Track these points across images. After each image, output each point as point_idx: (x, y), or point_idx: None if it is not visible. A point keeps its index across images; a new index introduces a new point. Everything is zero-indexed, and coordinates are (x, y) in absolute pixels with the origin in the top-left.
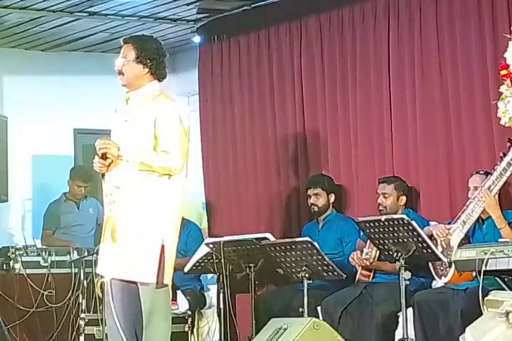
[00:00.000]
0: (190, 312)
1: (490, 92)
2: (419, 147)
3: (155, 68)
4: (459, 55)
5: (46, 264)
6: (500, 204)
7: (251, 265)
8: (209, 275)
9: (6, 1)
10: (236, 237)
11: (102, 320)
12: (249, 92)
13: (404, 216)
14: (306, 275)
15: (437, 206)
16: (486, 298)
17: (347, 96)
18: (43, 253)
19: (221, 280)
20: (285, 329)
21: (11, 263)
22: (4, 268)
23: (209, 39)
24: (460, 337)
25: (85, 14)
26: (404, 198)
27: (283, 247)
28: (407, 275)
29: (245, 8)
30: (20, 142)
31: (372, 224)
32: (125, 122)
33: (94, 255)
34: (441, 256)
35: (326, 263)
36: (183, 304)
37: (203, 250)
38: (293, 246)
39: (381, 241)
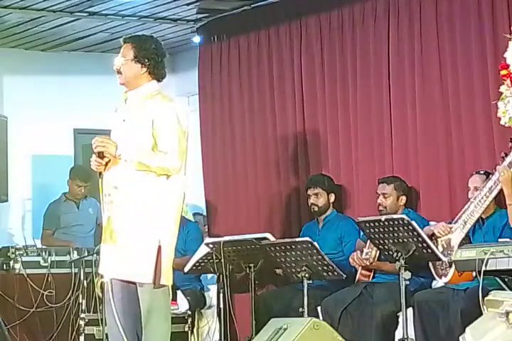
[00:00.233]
0: (190, 312)
1: (490, 92)
2: (419, 147)
3: (153, 68)
4: (459, 55)
5: (46, 264)
6: (500, 203)
7: (251, 265)
8: (209, 275)
9: (6, 1)
10: (236, 237)
11: (102, 320)
12: (249, 92)
13: (404, 216)
14: (306, 275)
15: (437, 206)
16: (486, 298)
17: (347, 96)
18: (43, 253)
19: (221, 280)
20: (285, 329)
21: (11, 263)
22: (4, 268)
23: (209, 39)
24: (460, 337)
25: (85, 14)
26: (404, 198)
27: (283, 247)
28: (407, 275)
29: (245, 8)
30: (20, 142)
31: (372, 224)
32: (123, 122)
33: (94, 255)
34: (441, 256)
35: (326, 263)
36: (183, 304)
37: (202, 250)
38: (293, 246)
39: (381, 241)
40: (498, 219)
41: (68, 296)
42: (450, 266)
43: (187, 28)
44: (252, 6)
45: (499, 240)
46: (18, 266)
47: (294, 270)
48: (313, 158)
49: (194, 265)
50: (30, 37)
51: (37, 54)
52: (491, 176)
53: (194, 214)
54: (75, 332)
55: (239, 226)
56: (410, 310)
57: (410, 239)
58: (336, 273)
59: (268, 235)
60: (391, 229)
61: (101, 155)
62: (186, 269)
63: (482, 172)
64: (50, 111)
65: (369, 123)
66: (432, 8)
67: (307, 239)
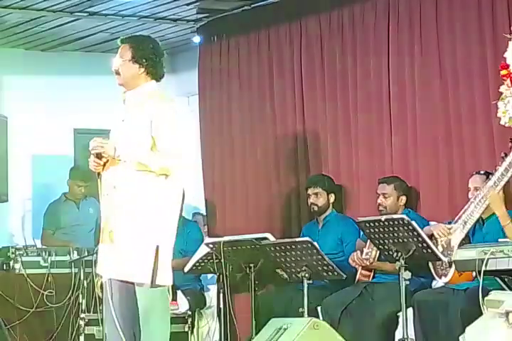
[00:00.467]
0: (190, 312)
1: (490, 92)
2: (419, 147)
3: (151, 68)
4: (459, 55)
5: (46, 264)
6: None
7: (251, 265)
8: (209, 275)
9: (6, 1)
10: (236, 237)
11: (102, 320)
12: (249, 92)
13: (404, 216)
14: (306, 275)
15: (437, 206)
16: (486, 298)
17: (347, 96)
18: (43, 253)
19: (221, 280)
20: (285, 329)
21: (11, 263)
22: (4, 268)
23: (209, 39)
24: (460, 337)
25: (85, 14)
26: (404, 198)
27: (283, 247)
28: (407, 275)
29: (245, 8)
30: (20, 142)
31: (372, 224)
32: (122, 122)
33: (94, 255)
34: (441, 256)
35: (326, 263)
36: (183, 304)
37: (202, 250)
38: (293, 246)
39: (381, 241)
40: (498, 220)
41: (68, 296)
42: (450, 266)
43: (187, 28)
44: (252, 6)
45: (499, 240)
46: (18, 266)
47: (294, 270)
48: (313, 158)
49: (194, 265)
50: (30, 37)
51: (37, 54)
52: (491, 176)
53: (194, 214)
54: (74, 332)
55: (239, 227)
56: (410, 310)
57: (410, 239)
58: (335, 273)
59: (268, 235)
60: (391, 229)
61: (99, 155)
62: (186, 269)
63: (482, 172)
64: (50, 111)
65: (369, 123)
66: (432, 8)
67: (307, 239)
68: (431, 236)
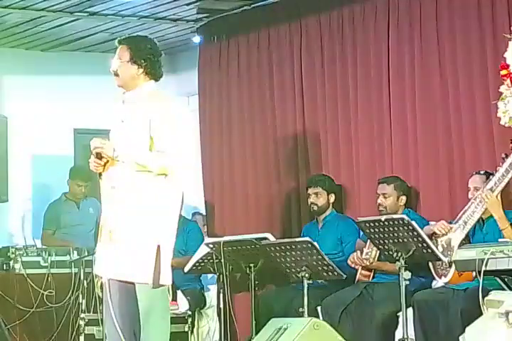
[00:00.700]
0: (190, 312)
1: (490, 92)
2: (419, 147)
3: (150, 68)
4: (459, 55)
5: (46, 264)
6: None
7: (251, 265)
8: (209, 275)
9: (6, 1)
10: (236, 237)
11: (102, 320)
12: (249, 92)
13: (404, 216)
14: (306, 275)
15: (437, 206)
16: (486, 298)
17: (347, 96)
18: (43, 253)
19: (221, 280)
20: (285, 329)
21: (11, 263)
22: (4, 268)
23: (209, 39)
24: (460, 337)
25: (85, 14)
26: (404, 198)
27: (283, 247)
28: (407, 275)
29: (245, 8)
30: (20, 142)
31: (372, 224)
32: (121, 122)
33: (94, 255)
34: (441, 256)
35: (326, 263)
36: (183, 304)
37: (203, 250)
38: (293, 246)
39: (381, 241)
40: None
41: (68, 296)
42: (450, 266)
43: (187, 28)
44: (252, 6)
45: (499, 240)
46: (18, 266)
47: (294, 270)
48: (313, 158)
49: (194, 265)
50: (30, 37)
51: (37, 54)
52: (491, 176)
53: (193, 214)
54: (74, 332)
55: (239, 226)
56: (410, 310)
57: (410, 239)
58: (335, 273)
59: (268, 235)
60: (391, 229)
61: (99, 156)
62: (186, 269)
63: (482, 172)
64: (50, 111)
65: (369, 123)
66: (432, 8)
67: (307, 239)
68: (431, 236)
